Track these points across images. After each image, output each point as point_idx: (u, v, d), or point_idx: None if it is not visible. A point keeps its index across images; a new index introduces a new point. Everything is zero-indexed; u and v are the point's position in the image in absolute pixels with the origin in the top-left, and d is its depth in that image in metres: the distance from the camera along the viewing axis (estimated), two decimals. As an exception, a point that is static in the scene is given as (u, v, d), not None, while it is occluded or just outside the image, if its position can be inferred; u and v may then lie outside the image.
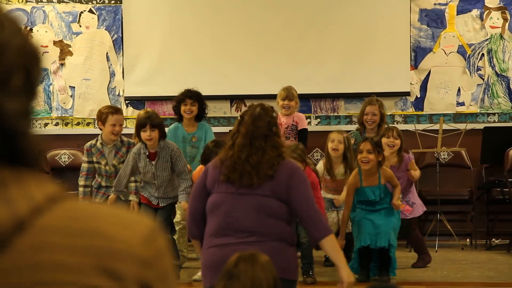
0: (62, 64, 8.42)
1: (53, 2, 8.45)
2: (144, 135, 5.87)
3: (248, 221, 3.62)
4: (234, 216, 3.63)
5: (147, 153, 5.95)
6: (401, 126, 7.94)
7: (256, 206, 3.63)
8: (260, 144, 3.70)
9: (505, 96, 8.12)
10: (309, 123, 8.08)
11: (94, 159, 6.39)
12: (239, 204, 3.65)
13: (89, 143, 6.51)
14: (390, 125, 6.99)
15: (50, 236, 0.95)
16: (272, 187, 3.65)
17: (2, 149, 0.97)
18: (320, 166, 6.60)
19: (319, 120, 8.21)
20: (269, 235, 3.62)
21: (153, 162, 5.96)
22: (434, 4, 8.20)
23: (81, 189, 6.41)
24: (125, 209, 1.02)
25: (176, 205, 6.39)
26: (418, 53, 8.20)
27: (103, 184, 6.43)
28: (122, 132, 6.45)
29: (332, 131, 6.78)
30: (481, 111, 8.14)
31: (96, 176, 6.47)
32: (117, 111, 6.45)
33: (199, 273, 5.93)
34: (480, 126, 7.90)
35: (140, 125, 5.90)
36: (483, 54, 8.14)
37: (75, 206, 0.98)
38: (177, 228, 6.47)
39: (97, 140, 6.43)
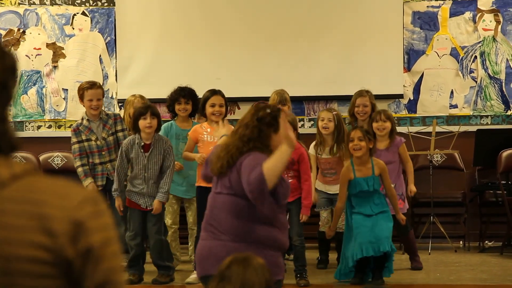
0: (55, 67, 8.41)
1: (46, 4, 8.43)
2: (144, 122, 5.87)
3: (221, 220, 3.70)
4: (212, 215, 3.76)
5: (142, 144, 5.95)
6: (394, 129, 7.96)
7: (227, 207, 3.70)
8: (242, 132, 3.76)
9: (497, 99, 8.13)
10: (303, 125, 8.08)
11: (84, 137, 6.40)
12: (216, 203, 3.76)
13: (75, 123, 6.62)
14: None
15: (7, 204, 1.30)
16: (232, 180, 3.68)
17: None
18: (312, 148, 6.56)
19: (312, 122, 8.20)
20: (240, 236, 3.65)
21: (146, 154, 5.95)
22: (427, 6, 8.21)
23: (79, 169, 6.38)
24: (69, 183, 1.35)
25: (165, 210, 6.31)
26: (411, 56, 8.21)
27: (97, 161, 6.41)
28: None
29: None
30: (474, 114, 8.14)
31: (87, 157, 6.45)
32: (92, 85, 6.45)
33: (192, 276, 5.94)
34: (473, 128, 7.91)
35: (140, 114, 5.90)
36: (476, 57, 8.15)
37: (33, 181, 1.33)
38: (169, 232, 6.44)
39: (82, 118, 6.48)
